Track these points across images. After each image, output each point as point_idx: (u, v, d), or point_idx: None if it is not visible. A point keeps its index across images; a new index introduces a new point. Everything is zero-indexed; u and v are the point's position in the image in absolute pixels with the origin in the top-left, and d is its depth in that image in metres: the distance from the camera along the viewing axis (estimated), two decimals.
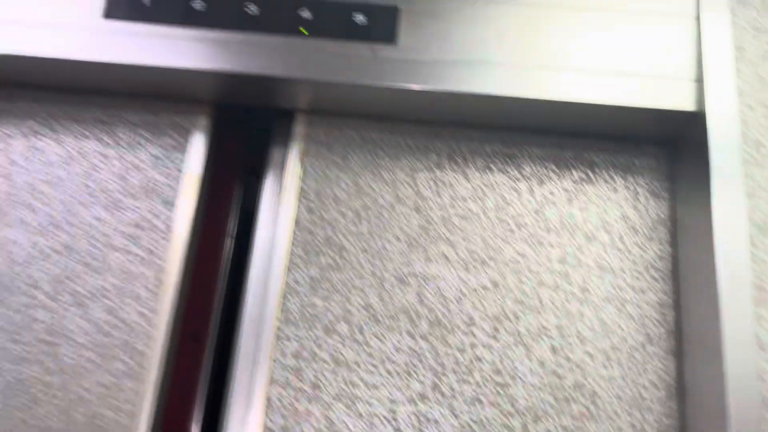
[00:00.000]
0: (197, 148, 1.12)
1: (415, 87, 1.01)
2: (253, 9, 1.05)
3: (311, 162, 1.10)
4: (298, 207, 1.08)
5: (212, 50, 1.03)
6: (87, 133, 1.12)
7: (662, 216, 1.05)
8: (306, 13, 1.04)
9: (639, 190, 1.07)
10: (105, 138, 1.12)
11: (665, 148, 1.09)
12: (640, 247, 1.04)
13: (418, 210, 1.07)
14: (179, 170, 1.10)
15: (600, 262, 1.03)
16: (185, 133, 1.12)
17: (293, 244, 1.05)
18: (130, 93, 1.14)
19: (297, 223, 1.07)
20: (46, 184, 1.09)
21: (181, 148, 1.12)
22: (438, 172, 1.09)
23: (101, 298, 1.04)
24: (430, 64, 1.02)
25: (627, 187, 1.07)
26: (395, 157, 1.10)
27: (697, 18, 1.02)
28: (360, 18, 1.04)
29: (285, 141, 1.13)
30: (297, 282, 1.04)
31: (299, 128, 1.12)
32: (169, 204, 1.08)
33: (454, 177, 1.08)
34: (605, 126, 1.06)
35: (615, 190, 1.07)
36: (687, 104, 0.98)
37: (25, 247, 1.06)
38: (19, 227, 1.07)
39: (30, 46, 1.05)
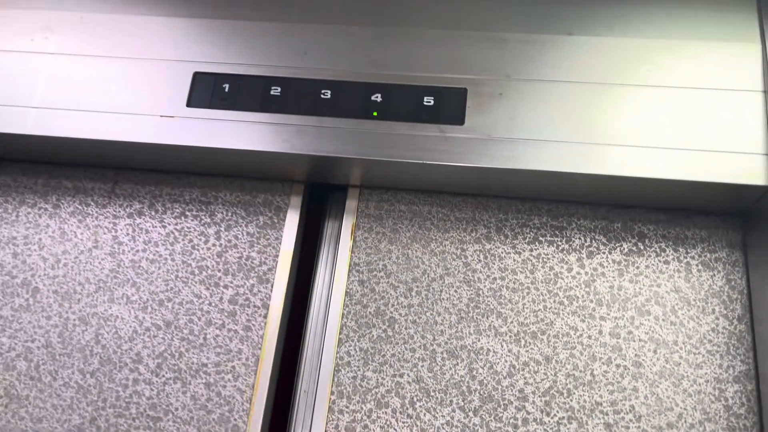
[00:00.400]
0: (290, 225, 1.15)
1: (484, 165, 1.02)
2: (326, 94, 1.08)
3: (362, 235, 1.12)
4: (350, 279, 1.09)
5: (291, 134, 1.06)
6: (187, 213, 1.17)
7: (716, 288, 1.03)
8: (377, 97, 1.07)
9: (691, 261, 1.05)
10: (204, 217, 1.16)
11: (719, 219, 1.07)
12: (694, 320, 1.02)
13: (467, 282, 1.07)
14: (273, 247, 1.13)
15: (653, 335, 1.02)
16: (278, 211, 1.16)
17: (345, 316, 1.07)
18: (226, 174, 1.18)
19: (348, 295, 1.08)
20: (149, 262, 1.14)
21: (275, 225, 1.15)
22: (487, 245, 1.09)
23: (201, 373, 1.07)
24: (497, 142, 1.02)
25: (678, 259, 1.06)
26: (444, 229, 1.11)
27: (765, 92, 1.01)
28: (429, 100, 1.06)
29: (338, 215, 1.16)
30: (349, 354, 1.05)
31: (350, 202, 1.14)
32: (265, 281, 1.11)
33: (503, 249, 1.09)
34: (669, 200, 1.06)
35: (666, 261, 1.06)
36: (758, 179, 0.96)
37: (129, 323, 1.10)
38: (124, 304, 1.11)
39: (123, 132, 1.09)
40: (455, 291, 1.07)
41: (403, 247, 1.10)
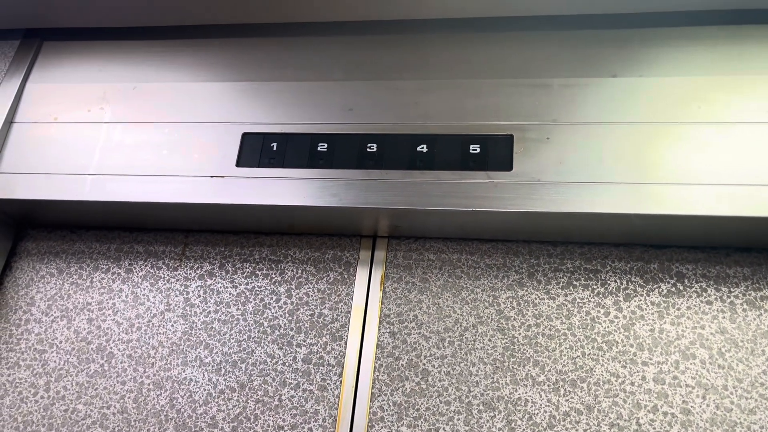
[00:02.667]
0: (360, 280, 1.14)
1: (535, 210, 1.00)
2: (373, 147, 1.09)
3: (392, 286, 1.11)
4: (380, 331, 1.08)
5: (340, 188, 1.07)
6: (258, 273, 1.18)
7: (764, 328, 0.96)
8: (423, 148, 1.08)
9: (735, 301, 0.99)
10: (274, 276, 1.17)
11: (762, 255, 1.01)
12: (743, 363, 0.95)
13: (501, 330, 1.04)
14: (345, 303, 1.13)
15: (700, 380, 0.96)
16: (347, 266, 1.16)
17: (376, 369, 1.06)
18: (294, 232, 1.20)
19: (380, 347, 1.07)
20: (221, 323, 1.14)
21: (345, 281, 1.14)
22: (520, 291, 1.06)
23: None
24: (548, 186, 1.01)
25: (721, 299, 0.99)
26: (475, 277, 1.09)
27: None
28: (475, 148, 1.06)
29: (366, 265, 1.15)
30: (382, 409, 1.03)
31: (378, 253, 1.14)
32: (338, 338, 1.10)
33: (537, 295, 1.05)
34: (709, 238, 1.02)
35: (708, 302, 0.99)
36: None
37: (203, 386, 1.10)
38: (197, 366, 1.12)
39: (174, 194, 1.12)
40: (489, 340, 1.04)
41: (433, 296, 1.09)
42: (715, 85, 1.01)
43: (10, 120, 1.22)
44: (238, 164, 1.12)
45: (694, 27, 1.07)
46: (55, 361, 1.15)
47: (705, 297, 1.00)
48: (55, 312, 1.19)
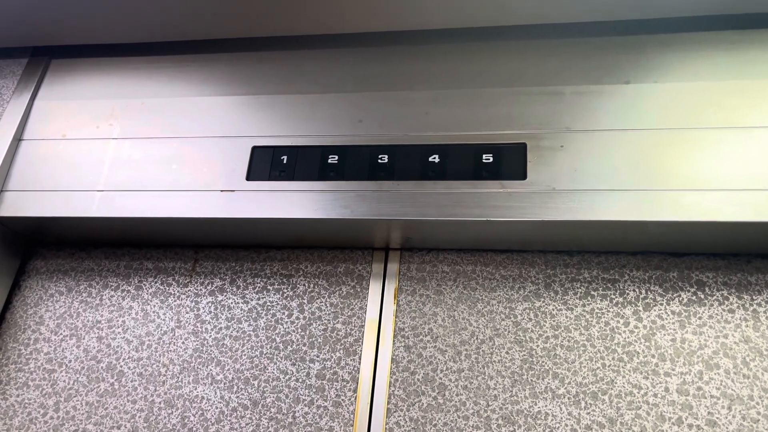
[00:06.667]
0: (374, 294, 1.12)
1: (550, 219, 0.98)
2: (384, 158, 1.08)
3: (406, 299, 1.09)
4: (395, 345, 1.06)
5: (351, 200, 1.06)
6: (269, 287, 1.16)
7: None
8: (435, 158, 1.06)
9: (758, 309, 0.96)
10: (286, 290, 1.16)
11: None
12: None
13: (519, 343, 1.02)
14: (358, 317, 1.11)
15: (725, 390, 0.93)
16: (360, 280, 1.14)
17: (392, 384, 1.04)
18: (306, 245, 1.18)
19: (395, 362, 1.05)
20: (232, 339, 1.13)
21: (358, 294, 1.13)
22: (536, 302, 1.04)
23: None
24: (562, 195, 0.99)
25: (744, 307, 0.97)
26: (490, 288, 1.07)
27: None
28: (488, 157, 1.04)
29: (379, 278, 1.13)
30: (399, 425, 1.01)
31: (392, 266, 1.12)
32: (352, 353, 1.08)
33: (554, 306, 1.03)
34: (729, 245, 1.00)
35: (731, 310, 0.97)
36: None
37: (215, 404, 1.08)
38: (209, 384, 1.10)
39: (184, 209, 1.10)
40: (507, 352, 1.02)
41: (448, 308, 1.07)
42: (729, 89, 1.00)
43: (18, 137, 1.22)
44: (248, 178, 1.11)
45: (708, 32, 1.05)
46: (64, 381, 1.14)
47: (727, 305, 0.98)
48: (64, 331, 1.18)
